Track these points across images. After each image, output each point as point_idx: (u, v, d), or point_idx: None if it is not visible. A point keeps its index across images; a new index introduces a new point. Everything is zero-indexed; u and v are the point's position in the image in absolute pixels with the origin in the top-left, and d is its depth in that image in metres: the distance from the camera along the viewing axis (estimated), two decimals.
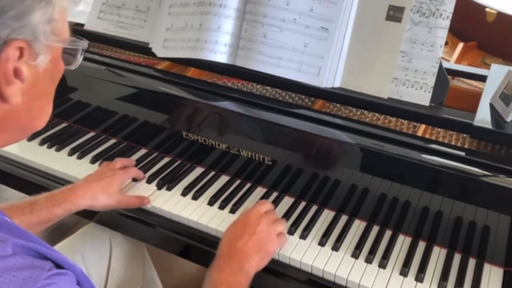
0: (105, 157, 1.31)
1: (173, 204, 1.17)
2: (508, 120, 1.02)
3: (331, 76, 1.12)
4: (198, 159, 1.28)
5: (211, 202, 1.17)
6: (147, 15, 1.32)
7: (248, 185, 1.22)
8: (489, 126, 1.02)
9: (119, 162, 1.22)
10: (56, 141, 1.36)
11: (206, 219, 1.12)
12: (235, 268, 0.94)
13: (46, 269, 0.57)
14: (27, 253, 0.58)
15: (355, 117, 1.14)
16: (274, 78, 1.16)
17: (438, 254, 1.06)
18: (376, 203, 1.10)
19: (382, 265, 1.02)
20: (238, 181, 1.23)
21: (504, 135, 1.01)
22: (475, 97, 1.11)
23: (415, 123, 1.11)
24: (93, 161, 1.30)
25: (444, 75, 1.07)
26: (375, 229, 1.11)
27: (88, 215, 1.20)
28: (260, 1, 1.15)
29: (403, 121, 1.13)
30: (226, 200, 1.17)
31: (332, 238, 1.08)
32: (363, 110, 1.16)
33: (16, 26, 0.58)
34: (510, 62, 1.49)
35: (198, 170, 1.27)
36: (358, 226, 1.12)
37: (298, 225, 1.11)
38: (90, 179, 1.14)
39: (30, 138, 1.36)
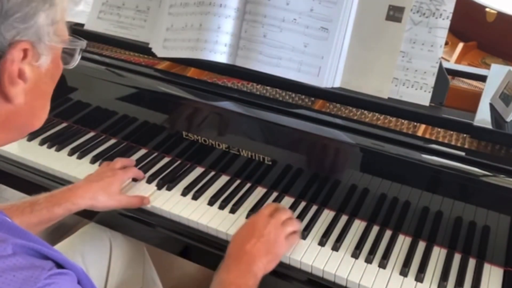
0: (105, 157, 1.31)
1: (173, 204, 1.17)
2: (508, 120, 1.02)
3: (331, 76, 1.12)
4: (198, 159, 1.28)
5: (211, 202, 1.17)
6: (147, 15, 1.32)
7: (248, 185, 1.22)
8: (489, 126, 1.02)
9: (119, 162, 1.22)
10: (56, 141, 1.36)
11: (206, 219, 1.12)
12: (243, 270, 0.94)
13: (47, 268, 0.57)
14: (27, 253, 0.58)
15: (355, 117, 1.14)
16: (274, 78, 1.16)
17: (438, 254, 1.06)
18: (376, 203, 1.10)
19: (382, 265, 1.02)
20: (238, 181, 1.23)
21: (504, 135, 1.01)
22: (475, 97, 1.11)
23: (415, 123, 1.11)
24: (93, 161, 1.30)
25: (444, 75, 1.07)
26: (375, 229, 1.11)
27: (88, 215, 1.20)
28: (260, 1, 1.15)
29: (403, 121, 1.13)
30: (226, 200, 1.17)
31: (332, 238, 1.08)
32: (363, 110, 1.16)
33: (22, 28, 0.59)
34: (510, 62, 1.49)
35: (198, 170, 1.27)
36: (358, 226, 1.12)
37: None
38: (90, 179, 1.14)
39: (30, 138, 1.36)
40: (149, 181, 1.23)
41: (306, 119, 1.11)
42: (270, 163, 1.17)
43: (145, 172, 1.25)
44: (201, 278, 1.57)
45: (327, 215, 1.15)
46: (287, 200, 1.18)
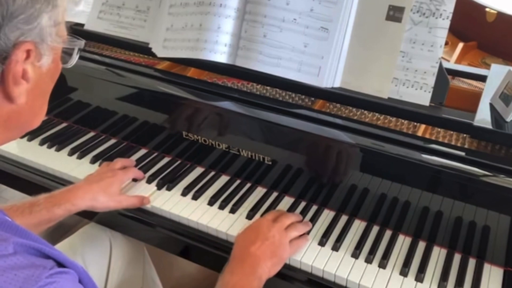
0: (105, 157, 1.31)
1: (173, 204, 1.17)
2: (508, 120, 1.02)
3: (331, 76, 1.12)
4: (198, 159, 1.28)
5: (211, 202, 1.17)
6: (147, 15, 1.32)
7: (248, 185, 1.22)
8: (489, 126, 1.02)
9: (119, 162, 1.22)
10: (56, 141, 1.36)
11: (206, 219, 1.12)
12: (247, 272, 0.94)
13: (48, 267, 0.57)
14: (28, 252, 0.58)
15: (355, 117, 1.14)
16: (274, 78, 1.16)
17: (438, 254, 1.06)
18: (376, 203, 1.10)
19: (382, 265, 1.02)
20: (238, 181, 1.23)
21: (504, 135, 1.01)
22: (475, 97, 1.11)
23: (415, 123, 1.11)
24: (93, 161, 1.30)
25: (444, 75, 1.07)
26: (375, 229, 1.11)
27: (88, 215, 1.20)
28: (260, 1, 1.15)
29: (403, 121, 1.13)
30: (226, 200, 1.17)
31: (332, 238, 1.08)
32: (363, 110, 1.16)
33: (26, 29, 0.60)
34: (510, 62, 1.49)
35: (198, 170, 1.27)
36: (358, 226, 1.12)
37: None
38: (90, 180, 1.14)
39: (30, 138, 1.36)
40: (149, 181, 1.23)
41: (306, 119, 1.11)
42: (270, 163, 1.17)
43: (145, 172, 1.25)
44: (201, 278, 1.57)
45: (327, 215, 1.15)
46: (287, 200, 1.18)
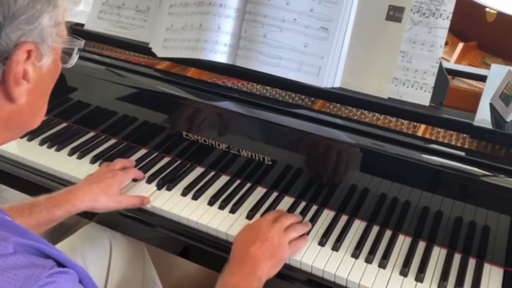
0: (105, 157, 1.31)
1: (173, 204, 1.17)
2: (508, 120, 1.02)
3: (331, 76, 1.12)
4: (198, 159, 1.28)
5: (211, 202, 1.17)
6: (147, 15, 1.32)
7: (248, 185, 1.22)
8: (489, 126, 1.02)
9: (119, 163, 1.22)
10: (56, 141, 1.36)
11: (206, 219, 1.12)
12: (247, 273, 0.94)
13: (48, 267, 0.57)
14: (28, 251, 0.58)
15: (355, 117, 1.14)
16: (274, 78, 1.16)
17: (438, 254, 1.06)
18: (376, 203, 1.10)
19: (382, 265, 1.02)
20: (238, 181, 1.23)
21: (504, 135, 1.01)
22: (475, 97, 1.11)
23: (415, 123, 1.11)
24: (93, 161, 1.30)
25: (444, 75, 1.07)
26: (375, 229, 1.11)
27: (88, 215, 1.20)
28: (260, 1, 1.15)
29: (403, 121, 1.13)
30: (226, 200, 1.17)
31: (332, 238, 1.08)
32: (363, 110, 1.16)
33: (27, 29, 0.60)
34: (510, 62, 1.49)
35: (198, 170, 1.27)
36: (358, 226, 1.12)
37: None
38: (90, 181, 1.14)
39: (30, 138, 1.36)
40: (149, 181, 1.23)
41: (306, 119, 1.11)
42: (270, 163, 1.17)
43: (145, 172, 1.25)
44: (201, 278, 1.57)
45: (327, 215, 1.15)
46: (287, 200, 1.18)
